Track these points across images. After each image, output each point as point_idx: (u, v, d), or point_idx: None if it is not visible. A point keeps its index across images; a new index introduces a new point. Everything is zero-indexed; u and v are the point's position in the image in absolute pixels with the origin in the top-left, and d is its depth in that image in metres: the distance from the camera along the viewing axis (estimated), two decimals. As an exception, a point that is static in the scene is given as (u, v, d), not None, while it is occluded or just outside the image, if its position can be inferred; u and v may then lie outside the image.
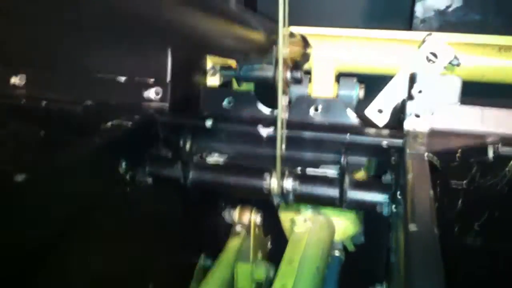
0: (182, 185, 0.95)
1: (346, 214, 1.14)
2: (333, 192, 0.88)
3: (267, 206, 1.24)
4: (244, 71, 1.04)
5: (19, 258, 0.63)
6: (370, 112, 1.00)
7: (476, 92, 0.97)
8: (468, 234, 0.92)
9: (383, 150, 0.89)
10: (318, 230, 1.09)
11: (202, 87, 1.12)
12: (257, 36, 0.87)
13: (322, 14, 1.43)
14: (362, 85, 1.03)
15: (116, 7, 0.52)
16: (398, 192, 0.80)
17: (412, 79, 0.95)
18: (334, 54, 1.05)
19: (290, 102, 0.99)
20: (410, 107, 0.93)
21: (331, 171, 0.92)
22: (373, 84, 1.02)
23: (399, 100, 0.99)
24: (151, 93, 1.00)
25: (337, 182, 0.88)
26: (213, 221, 1.30)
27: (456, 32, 1.09)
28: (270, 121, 0.95)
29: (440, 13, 1.30)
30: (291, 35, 1.02)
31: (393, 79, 0.99)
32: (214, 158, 1.00)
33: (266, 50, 0.92)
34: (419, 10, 1.30)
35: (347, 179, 0.87)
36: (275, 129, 0.91)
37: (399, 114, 1.01)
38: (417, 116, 0.93)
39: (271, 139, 0.92)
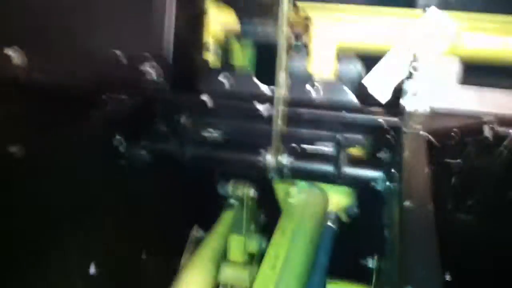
0: (178, 159, 0.95)
1: (340, 186, 1.15)
2: (329, 168, 0.88)
3: (261, 180, 1.25)
4: (245, 25, 1.02)
5: (16, 228, 0.63)
6: (372, 87, 1.00)
7: (475, 72, 0.96)
8: (462, 210, 0.93)
9: (380, 128, 0.89)
10: (312, 201, 1.10)
11: (201, 63, 1.11)
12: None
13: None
14: (361, 62, 1.02)
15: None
16: (394, 170, 0.80)
17: (411, 59, 0.94)
18: (334, 30, 1.03)
19: (288, 79, 0.98)
20: (408, 86, 0.93)
21: (327, 148, 0.92)
22: (374, 62, 1.01)
23: (401, 78, 0.98)
24: (150, 69, 0.99)
25: (333, 158, 0.88)
26: (207, 194, 1.30)
27: (456, 11, 1.08)
28: (268, 98, 0.94)
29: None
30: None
31: (391, 53, 0.98)
32: (211, 134, 0.99)
33: (269, 7, 0.90)
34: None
35: (342, 156, 0.88)
36: (273, 106, 0.91)
37: (396, 93, 1.00)
38: (415, 95, 0.92)
39: (268, 116, 0.92)
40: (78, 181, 0.76)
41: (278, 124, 0.86)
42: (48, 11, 0.98)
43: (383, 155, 0.89)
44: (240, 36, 1.07)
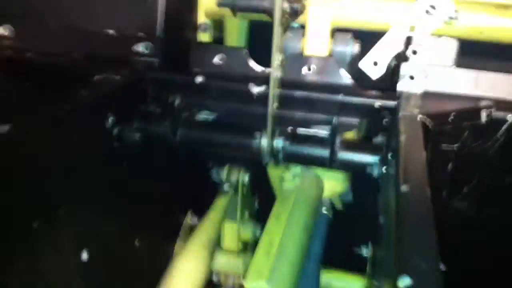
0: (170, 142, 0.94)
1: (335, 171, 1.14)
2: (324, 152, 0.87)
3: (255, 166, 1.24)
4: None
5: (4, 212, 0.61)
6: (365, 64, 0.98)
7: (473, 53, 0.95)
8: (457, 197, 0.92)
9: (375, 111, 0.87)
10: (307, 187, 1.09)
11: (193, 43, 1.09)
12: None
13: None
14: (357, 41, 1.00)
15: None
16: (390, 154, 0.79)
17: (407, 41, 0.93)
18: (329, 7, 1.01)
19: (283, 60, 0.97)
20: (404, 68, 0.91)
21: (322, 132, 0.91)
22: (369, 41, 0.99)
23: (394, 53, 0.97)
24: (141, 48, 0.97)
25: (328, 142, 0.87)
26: (201, 180, 1.29)
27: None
28: (262, 79, 0.93)
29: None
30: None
31: (389, 31, 0.97)
32: (204, 116, 0.98)
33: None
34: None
35: (338, 140, 0.87)
36: (267, 88, 0.89)
37: (392, 76, 0.99)
38: (411, 78, 0.91)
39: (263, 98, 0.90)
40: (69, 164, 0.74)
41: (273, 106, 0.85)
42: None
43: (379, 139, 0.88)
44: (235, 12, 1.04)
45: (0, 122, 0.62)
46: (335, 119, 0.87)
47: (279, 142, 0.88)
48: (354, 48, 1.00)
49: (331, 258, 1.17)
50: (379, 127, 0.90)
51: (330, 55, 1.00)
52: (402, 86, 0.91)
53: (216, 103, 0.97)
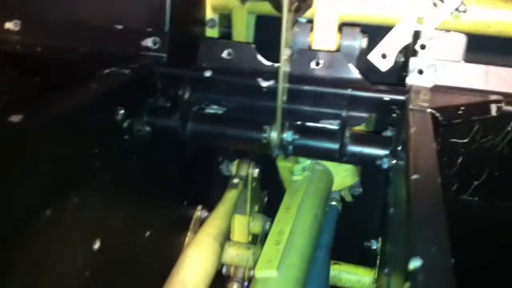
0: (180, 135, 0.95)
1: (345, 164, 1.14)
2: (333, 145, 0.87)
3: (264, 159, 1.24)
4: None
5: (17, 201, 0.62)
6: (374, 57, 0.99)
7: (481, 48, 0.95)
8: (466, 192, 0.92)
9: (384, 106, 0.88)
10: (316, 179, 1.09)
11: (201, 38, 1.10)
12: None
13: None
14: (365, 35, 1.01)
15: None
16: (399, 147, 0.79)
17: (416, 35, 0.93)
18: (337, 1, 1.01)
19: (292, 55, 0.97)
20: (413, 63, 0.92)
21: (332, 126, 0.91)
22: (378, 35, 0.99)
23: (403, 45, 0.97)
24: (149, 43, 0.98)
25: (337, 135, 0.87)
26: (210, 174, 1.30)
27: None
28: (270, 74, 0.93)
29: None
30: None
31: (397, 25, 0.97)
32: (213, 110, 0.98)
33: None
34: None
35: (347, 133, 0.87)
36: (275, 82, 0.90)
37: (401, 71, 0.99)
38: (420, 72, 0.91)
39: (271, 92, 0.91)
40: (80, 155, 0.75)
41: (282, 100, 0.85)
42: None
43: (388, 133, 0.88)
44: (244, 1, 1.05)
45: (13, 113, 0.62)
46: (344, 114, 0.87)
47: (288, 135, 0.89)
48: (362, 42, 1.00)
49: (340, 251, 1.17)
50: (388, 121, 0.90)
51: (338, 49, 1.01)
52: (411, 80, 0.91)
53: (225, 97, 0.98)
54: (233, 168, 1.25)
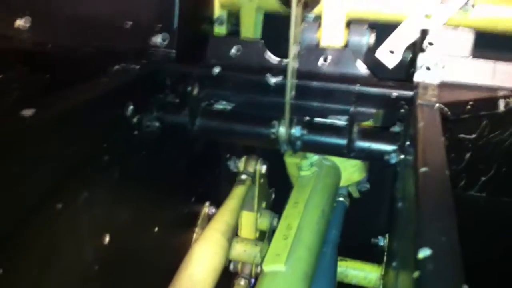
0: (188, 131, 0.95)
1: (352, 160, 1.14)
2: (341, 141, 0.88)
3: (272, 156, 1.25)
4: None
5: (28, 196, 0.63)
6: (381, 53, 0.99)
7: (488, 45, 0.95)
8: (474, 188, 0.92)
9: (392, 101, 0.88)
10: (324, 175, 1.10)
11: (210, 35, 1.11)
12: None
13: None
14: (373, 31, 1.01)
15: None
16: (407, 142, 0.79)
17: (424, 32, 0.93)
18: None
19: (300, 51, 0.98)
20: (421, 59, 0.92)
21: (340, 122, 0.91)
22: (385, 31, 1.00)
23: (410, 41, 0.97)
24: (158, 40, 0.99)
25: (345, 131, 0.88)
26: (218, 171, 1.30)
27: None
28: (278, 70, 0.94)
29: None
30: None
31: (405, 21, 0.97)
32: (221, 106, 0.99)
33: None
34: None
35: (355, 129, 0.87)
36: (283, 78, 0.91)
37: (409, 68, 1.00)
38: (428, 69, 0.91)
39: (279, 88, 0.92)
40: (90, 149, 0.75)
41: (291, 96, 0.86)
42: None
43: (396, 128, 0.89)
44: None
45: (25, 107, 0.63)
46: (352, 109, 0.87)
47: (296, 131, 0.89)
48: (370, 38, 1.00)
49: (347, 248, 1.17)
50: (396, 117, 0.90)
51: (346, 46, 1.01)
52: (419, 77, 0.91)
53: (233, 94, 0.99)
54: (240, 164, 1.26)
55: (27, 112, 0.62)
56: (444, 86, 0.89)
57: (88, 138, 0.75)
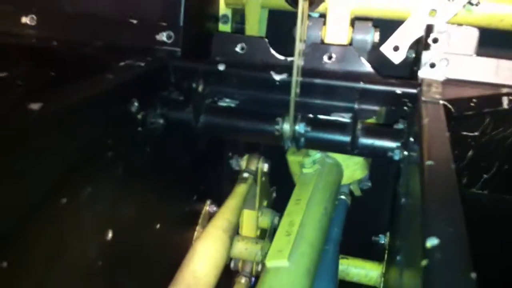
0: (193, 128, 0.96)
1: (354, 158, 1.15)
2: (345, 138, 0.88)
3: (274, 154, 1.25)
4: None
5: (32, 191, 0.63)
6: (386, 49, 0.99)
7: (492, 42, 0.95)
8: (476, 185, 0.93)
9: (396, 98, 0.88)
10: (326, 173, 1.10)
11: (215, 32, 1.11)
12: None
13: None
14: (377, 29, 1.01)
15: None
16: (412, 139, 0.80)
17: (428, 29, 0.94)
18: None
19: (305, 49, 0.98)
20: (425, 56, 0.92)
21: (343, 119, 0.92)
22: (390, 29, 1.00)
23: (415, 38, 0.98)
24: (163, 37, 0.99)
25: (349, 128, 0.88)
26: (220, 169, 1.31)
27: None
28: (283, 68, 0.94)
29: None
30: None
31: (410, 18, 0.97)
32: (226, 103, 0.99)
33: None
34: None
35: (359, 126, 0.88)
36: (288, 75, 0.91)
37: (413, 65, 1.00)
38: (432, 66, 0.92)
39: (283, 85, 0.92)
40: (95, 145, 0.76)
41: (296, 93, 0.86)
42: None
43: (400, 125, 0.89)
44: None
45: (31, 101, 0.64)
46: (356, 106, 0.88)
47: (300, 127, 0.90)
48: (374, 36, 1.01)
49: (348, 246, 1.18)
50: (399, 114, 0.91)
51: (351, 43, 1.02)
52: (423, 74, 0.92)
53: (238, 91, 0.99)
54: (242, 162, 1.26)
55: (35, 106, 0.63)
56: (448, 83, 0.90)
57: (93, 133, 0.75)
